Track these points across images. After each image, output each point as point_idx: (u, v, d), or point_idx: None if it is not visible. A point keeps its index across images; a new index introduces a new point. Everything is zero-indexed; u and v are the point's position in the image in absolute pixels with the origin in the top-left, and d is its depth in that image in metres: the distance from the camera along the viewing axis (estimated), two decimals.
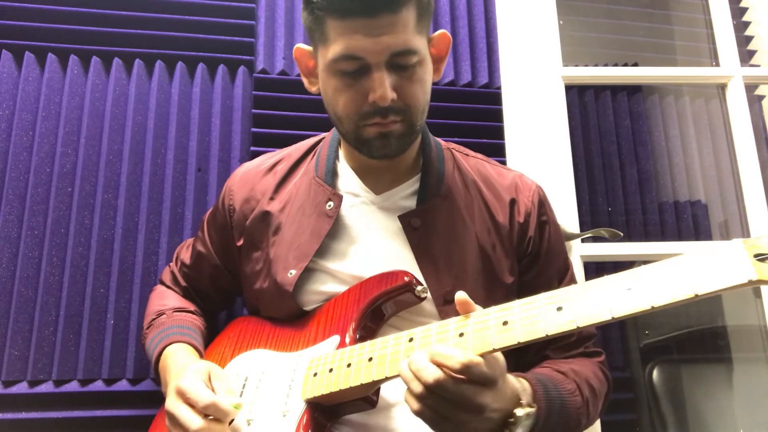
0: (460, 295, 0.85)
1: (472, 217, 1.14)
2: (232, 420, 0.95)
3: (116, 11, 1.61)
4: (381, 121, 1.02)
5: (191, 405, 0.92)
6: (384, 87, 0.98)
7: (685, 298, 0.69)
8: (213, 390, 0.95)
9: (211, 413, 0.91)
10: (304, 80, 1.14)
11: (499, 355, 0.83)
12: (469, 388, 0.79)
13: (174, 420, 0.93)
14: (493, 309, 0.83)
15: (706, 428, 1.67)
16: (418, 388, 0.79)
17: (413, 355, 0.82)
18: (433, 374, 0.78)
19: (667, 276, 0.71)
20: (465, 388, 0.79)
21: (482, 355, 0.80)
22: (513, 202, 1.17)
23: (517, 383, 0.90)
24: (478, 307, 0.85)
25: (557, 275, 1.18)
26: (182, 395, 0.93)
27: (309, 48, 1.10)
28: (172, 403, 0.94)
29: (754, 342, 1.77)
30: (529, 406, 0.87)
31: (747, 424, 1.67)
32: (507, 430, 0.84)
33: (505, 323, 0.80)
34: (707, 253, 0.71)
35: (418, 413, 0.81)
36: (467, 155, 1.25)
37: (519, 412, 0.85)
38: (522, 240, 1.15)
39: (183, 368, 1.00)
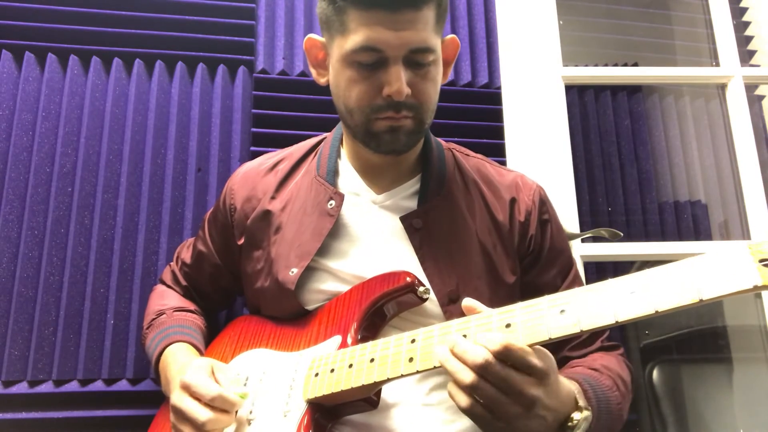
0: (467, 302, 0.84)
1: (473, 216, 1.14)
2: (237, 412, 0.96)
3: (116, 11, 1.61)
4: (394, 115, 1.02)
5: (197, 398, 0.92)
6: (401, 81, 0.99)
7: (690, 302, 0.69)
8: (217, 382, 0.96)
9: (218, 405, 0.92)
10: (312, 71, 1.15)
11: (548, 352, 0.81)
12: (518, 375, 0.76)
13: (181, 414, 0.93)
14: (496, 311, 0.83)
15: (706, 428, 1.67)
16: (467, 377, 0.76)
17: (453, 340, 0.79)
18: (481, 354, 0.75)
19: (672, 280, 0.71)
20: (513, 374, 0.76)
21: (530, 346, 0.77)
22: (513, 201, 1.17)
23: (571, 385, 0.88)
24: (487, 310, 0.84)
25: (560, 274, 1.18)
26: (187, 389, 0.93)
27: (321, 39, 1.11)
28: (178, 398, 0.94)
29: (754, 342, 1.77)
30: (586, 409, 0.85)
31: (747, 424, 1.67)
32: None
33: (508, 325, 0.80)
34: (712, 258, 0.70)
35: (467, 409, 0.77)
36: (468, 155, 1.25)
37: (577, 416, 0.83)
38: (523, 239, 1.15)
39: (185, 365, 1.00)
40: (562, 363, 1.11)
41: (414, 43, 0.99)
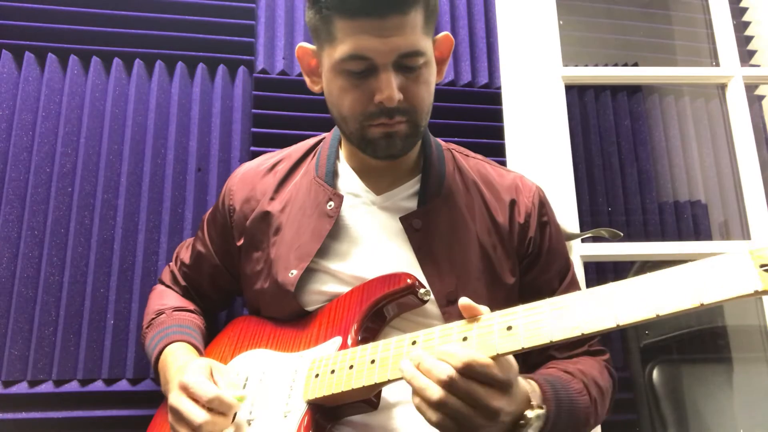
0: (464, 301, 0.84)
1: (473, 217, 1.14)
2: (235, 414, 0.96)
3: (116, 11, 1.61)
4: (387, 121, 1.02)
5: (195, 399, 0.93)
6: (391, 88, 0.98)
7: (690, 307, 0.69)
8: (216, 384, 0.96)
9: (215, 407, 0.92)
10: (306, 79, 1.14)
11: (512, 359, 0.82)
12: (482, 389, 0.77)
13: (178, 415, 0.93)
14: (497, 313, 0.83)
15: (706, 428, 1.67)
16: (435, 394, 0.77)
17: (418, 356, 0.80)
18: (445, 371, 0.76)
19: (673, 284, 0.71)
20: (477, 388, 0.77)
21: (493, 359, 0.78)
22: (513, 203, 1.17)
23: (527, 385, 0.89)
24: (484, 309, 0.85)
25: (558, 276, 1.18)
26: (186, 390, 0.94)
27: (312, 47, 1.10)
28: (176, 399, 0.94)
29: (754, 342, 1.77)
30: (539, 407, 0.86)
31: (747, 424, 1.67)
32: None
33: (509, 328, 0.80)
34: (713, 262, 0.70)
35: (436, 423, 0.78)
36: (467, 156, 1.25)
37: (529, 413, 0.84)
38: (522, 240, 1.15)
39: (185, 365, 1.00)
40: (546, 361, 1.12)
41: (402, 48, 0.98)
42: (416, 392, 0.79)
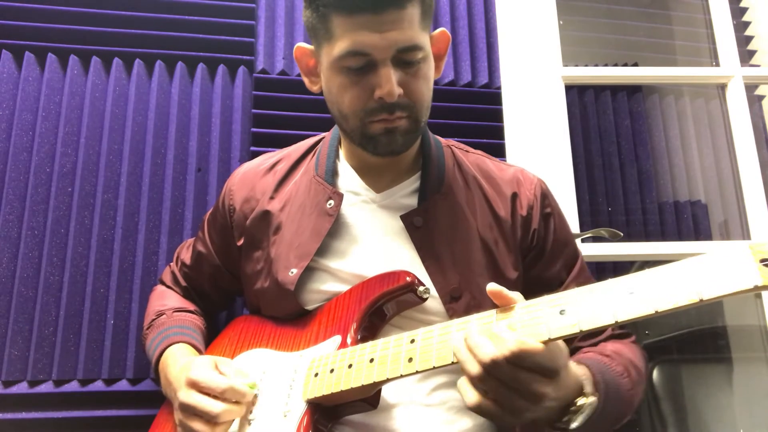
0: (492, 287, 0.82)
1: (474, 213, 1.13)
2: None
3: (116, 11, 1.61)
4: (388, 117, 1.02)
5: (207, 393, 0.93)
6: (391, 83, 0.98)
7: (689, 302, 0.69)
8: (224, 376, 0.96)
9: (229, 397, 0.93)
10: (305, 80, 1.14)
11: (563, 345, 0.81)
12: (527, 375, 0.76)
13: (191, 410, 0.93)
14: (495, 311, 0.83)
15: (706, 428, 1.67)
16: (474, 368, 0.76)
17: (469, 330, 0.79)
18: (489, 353, 0.75)
19: (672, 280, 0.71)
20: (522, 374, 0.75)
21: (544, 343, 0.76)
22: (515, 196, 1.16)
23: (579, 370, 0.88)
24: (518, 297, 0.83)
25: (566, 267, 1.17)
26: (195, 386, 0.94)
27: (310, 47, 1.10)
28: (187, 395, 0.94)
29: (754, 342, 1.77)
30: (591, 395, 0.86)
31: (747, 424, 1.67)
32: (567, 418, 0.83)
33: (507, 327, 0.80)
34: (713, 258, 0.70)
35: (474, 406, 0.78)
36: (467, 151, 1.25)
37: (581, 401, 0.83)
38: (526, 233, 1.14)
39: (188, 364, 1.00)
40: (572, 353, 1.10)
41: (401, 43, 0.98)
42: (461, 368, 0.79)
